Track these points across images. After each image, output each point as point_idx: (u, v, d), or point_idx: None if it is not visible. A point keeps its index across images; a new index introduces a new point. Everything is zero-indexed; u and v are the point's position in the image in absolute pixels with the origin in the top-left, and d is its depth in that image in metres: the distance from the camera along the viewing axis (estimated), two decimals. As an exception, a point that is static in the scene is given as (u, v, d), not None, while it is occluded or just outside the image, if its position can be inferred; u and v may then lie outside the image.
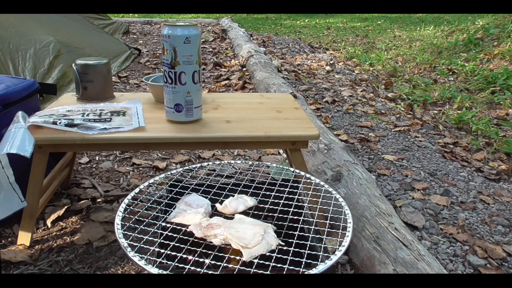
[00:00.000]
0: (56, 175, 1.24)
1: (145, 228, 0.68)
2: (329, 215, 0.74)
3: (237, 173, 0.96)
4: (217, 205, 0.78)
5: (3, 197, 1.15)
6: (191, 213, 0.73)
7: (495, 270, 1.14)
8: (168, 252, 0.63)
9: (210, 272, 0.59)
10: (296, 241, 0.67)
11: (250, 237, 0.65)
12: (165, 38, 0.97)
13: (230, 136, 1.03)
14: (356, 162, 1.51)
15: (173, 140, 1.01)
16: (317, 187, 0.83)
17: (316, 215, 0.77)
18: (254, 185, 0.87)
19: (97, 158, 1.72)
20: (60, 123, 1.00)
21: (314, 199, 0.81)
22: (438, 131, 2.29)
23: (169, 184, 0.88)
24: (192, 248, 0.65)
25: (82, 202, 1.36)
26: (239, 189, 0.87)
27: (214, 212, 0.77)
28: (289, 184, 0.89)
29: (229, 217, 0.75)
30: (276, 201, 0.80)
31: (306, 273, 0.57)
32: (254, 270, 0.58)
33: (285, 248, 0.66)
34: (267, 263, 0.60)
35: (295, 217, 0.75)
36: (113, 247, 1.15)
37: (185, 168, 0.90)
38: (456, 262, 1.18)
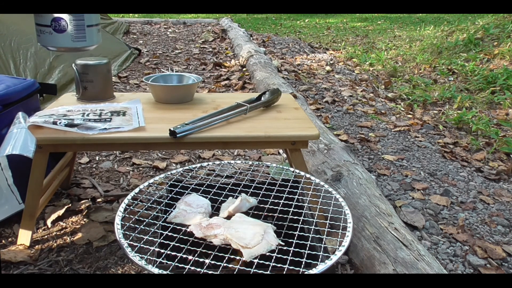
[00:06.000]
0: (56, 175, 1.24)
1: (145, 228, 0.68)
2: (329, 215, 0.74)
3: (237, 173, 0.96)
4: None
5: (2, 198, 1.15)
6: (191, 213, 0.73)
7: (495, 270, 1.14)
8: (168, 252, 0.63)
9: (210, 272, 0.59)
10: (296, 241, 0.67)
11: (250, 237, 0.65)
12: None
13: (230, 136, 1.03)
14: (356, 162, 1.51)
15: (173, 140, 1.01)
16: (317, 187, 0.84)
17: (316, 215, 0.77)
18: (254, 185, 0.87)
19: (97, 158, 1.72)
20: (60, 123, 1.00)
21: (314, 199, 0.81)
22: (438, 131, 2.29)
23: (169, 184, 0.88)
24: (192, 248, 0.66)
25: (82, 202, 1.36)
26: (239, 189, 0.87)
27: (214, 212, 0.77)
28: (289, 184, 0.89)
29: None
30: (276, 201, 0.80)
31: (306, 273, 0.57)
32: (254, 270, 0.58)
33: (285, 248, 0.66)
34: (267, 263, 0.60)
35: (295, 217, 0.75)
36: (113, 247, 1.15)
37: (185, 168, 0.90)
38: (456, 262, 1.18)
